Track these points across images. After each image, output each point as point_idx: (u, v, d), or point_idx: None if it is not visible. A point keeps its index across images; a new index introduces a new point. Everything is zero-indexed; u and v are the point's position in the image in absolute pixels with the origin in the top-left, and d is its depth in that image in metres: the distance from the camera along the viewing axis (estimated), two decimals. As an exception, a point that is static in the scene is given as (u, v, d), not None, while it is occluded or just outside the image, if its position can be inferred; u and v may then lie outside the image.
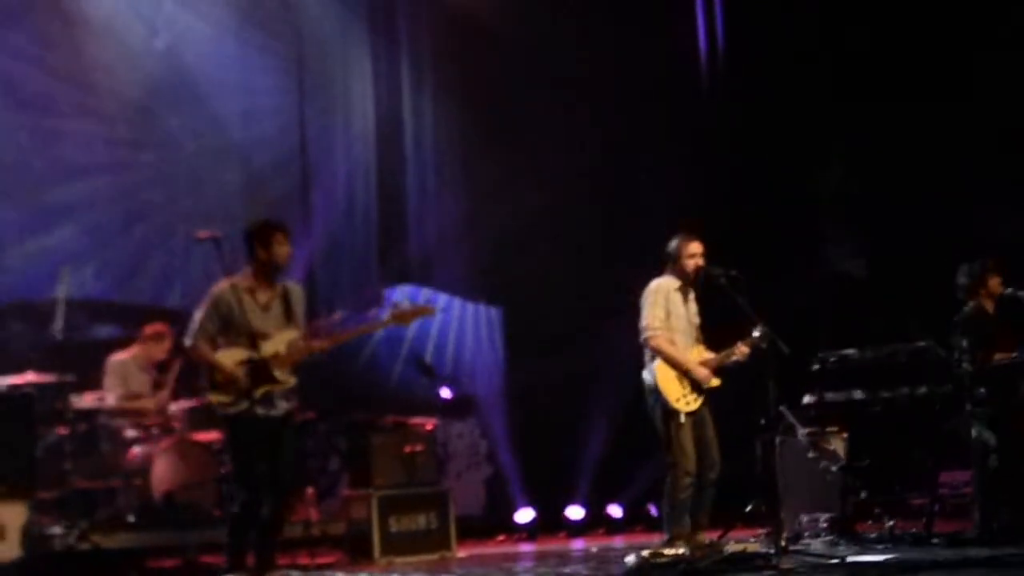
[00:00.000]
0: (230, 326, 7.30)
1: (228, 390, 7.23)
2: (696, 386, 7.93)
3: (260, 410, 7.23)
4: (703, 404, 7.97)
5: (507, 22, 12.56)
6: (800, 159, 12.93)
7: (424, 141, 12.68)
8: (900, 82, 12.49)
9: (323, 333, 7.84)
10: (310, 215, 11.90)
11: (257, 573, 7.29)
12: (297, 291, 7.55)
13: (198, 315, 7.34)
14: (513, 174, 12.41)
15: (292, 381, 7.37)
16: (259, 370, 7.24)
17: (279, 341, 7.34)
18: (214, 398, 7.27)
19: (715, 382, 8.01)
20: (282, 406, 7.34)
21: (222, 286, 7.34)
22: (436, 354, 12.41)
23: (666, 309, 7.97)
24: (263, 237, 7.34)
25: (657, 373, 7.89)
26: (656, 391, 7.87)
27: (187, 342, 7.35)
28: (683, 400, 7.87)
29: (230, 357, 7.25)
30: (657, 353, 7.91)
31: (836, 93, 12.94)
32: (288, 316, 7.41)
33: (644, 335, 7.93)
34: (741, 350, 7.99)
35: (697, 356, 8.03)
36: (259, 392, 7.23)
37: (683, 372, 7.88)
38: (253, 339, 7.29)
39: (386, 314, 7.92)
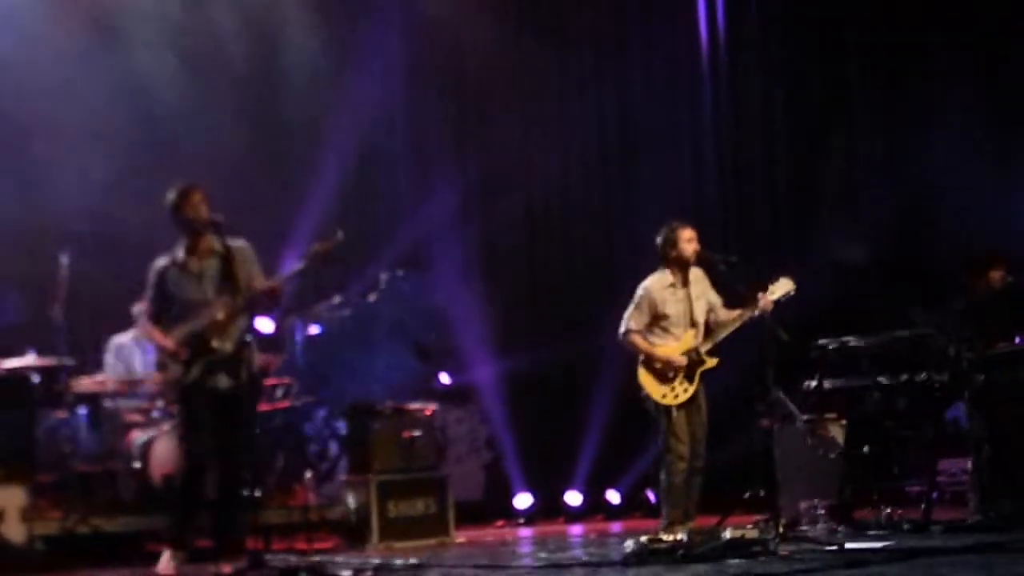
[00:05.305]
0: (171, 301, 7.24)
1: (174, 366, 7.21)
2: (688, 374, 7.99)
3: (202, 381, 7.13)
4: (697, 390, 8.04)
5: (508, 9, 12.52)
6: (801, 146, 12.91)
7: (421, 128, 12.62)
8: (902, 69, 12.47)
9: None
10: (307, 201, 11.85)
11: (218, 556, 7.11)
12: (242, 250, 7.25)
13: (147, 295, 7.35)
14: (512, 160, 12.40)
15: (228, 348, 7.13)
16: (197, 342, 7.13)
17: (219, 307, 7.15)
18: (166, 375, 7.30)
19: (712, 362, 8.07)
20: (223, 381, 7.15)
21: (159, 263, 7.30)
22: (436, 340, 12.38)
23: (651, 313, 8.09)
24: (183, 201, 7.15)
25: (640, 374, 8.10)
26: (643, 389, 8.09)
27: (139, 323, 7.34)
28: (670, 395, 8.04)
29: (177, 332, 7.18)
30: (632, 349, 8.10)
31: (837, 80, 12.92)
32: (228, 278, 7.14)
33: (619, 336, 8.17)
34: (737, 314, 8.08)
35: (691, 340, 8.11)
36: (197, 364, 7.12)
37: (664, 363, 7.98)
38: (192, 311, 7.16)
39: (307, 255, 7.35)
